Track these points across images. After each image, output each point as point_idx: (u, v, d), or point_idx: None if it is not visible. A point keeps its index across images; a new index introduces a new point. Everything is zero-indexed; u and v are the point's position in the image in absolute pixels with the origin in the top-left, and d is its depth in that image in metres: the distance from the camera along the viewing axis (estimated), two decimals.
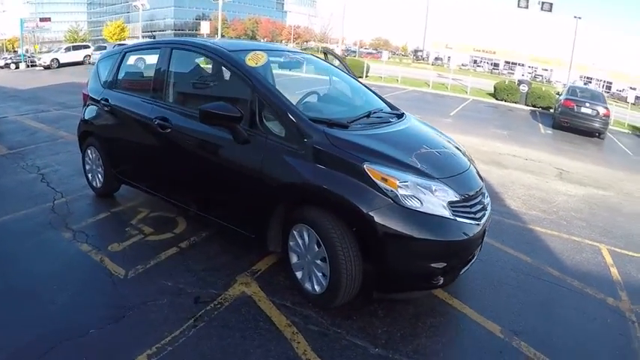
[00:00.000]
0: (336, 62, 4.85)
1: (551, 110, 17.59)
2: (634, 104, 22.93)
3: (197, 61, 3.66)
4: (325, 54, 5.11)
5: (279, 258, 3.33)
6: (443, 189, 2.58)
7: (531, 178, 7.27)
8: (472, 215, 2.65)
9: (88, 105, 4.22)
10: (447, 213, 2.52)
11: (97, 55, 21.77)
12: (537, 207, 5.69)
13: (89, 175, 4.39)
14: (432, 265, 2.52)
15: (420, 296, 3.07)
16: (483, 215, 2.78)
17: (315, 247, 2.66)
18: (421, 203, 2.48)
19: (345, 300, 2.67)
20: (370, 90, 3.95)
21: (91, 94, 4.20)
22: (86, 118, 4.23)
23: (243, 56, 3.11)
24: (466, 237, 2.56)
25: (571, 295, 3.40)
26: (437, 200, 2.54)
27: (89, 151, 4.29)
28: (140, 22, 44.86)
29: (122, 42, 26.63)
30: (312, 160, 2.62)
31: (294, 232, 2.78)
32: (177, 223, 3.90)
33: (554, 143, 11.74)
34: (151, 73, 3.65)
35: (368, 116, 3.19)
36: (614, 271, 4.05)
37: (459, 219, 2.57)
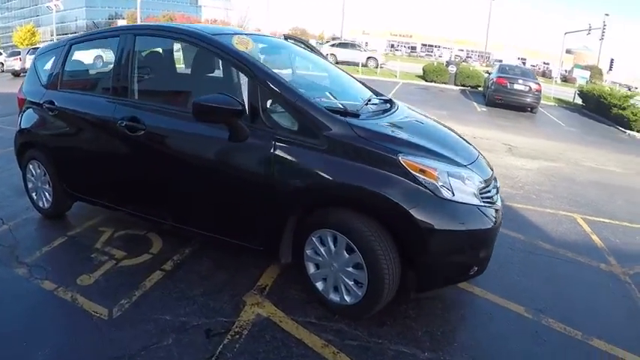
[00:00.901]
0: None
1: (480, 88, 18.62)
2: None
3: (170, 48, 3.14)
4: (286, 38, 4.75)
5: (283, 268, 3.02)
6: (471, 176, 2.45)
7: (486, 155, 7.48)
8: (492, 200, 2.55)
9: (26, 110, 3.49)
10: (477, 201, 2.39)
11: (11, 62, 19.19)
12: (504, 183, 5.84)
13: (33, 195, 3.66)
14: (476, 254, 2.43)
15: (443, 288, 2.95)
16: (498, 199, 2.70)
17: (345, 253, 2.38)
18: (455, 193, 2.30)
19: (382, 307, 2.43)
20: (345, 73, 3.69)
21: (29, 98, 3.47)
22: (25, 126, 3.49)
23: (230, 40, 2.68)
24: (494, 223, 2.45)
25: (569, 267, 3.61)
26: (468, 189, 2.39)
27: (32, 166, 3.56)
28: (54, 25, 41.43)
29: (35, 46, 23.90)
30: (337, 156, 2.31)
31: (313, 239, 2.47)
32: (150, 241, 3.38)
33: (493, 120, 12.39)
34: (108, 66, 3.06)
35: (366, 104, 2.94)
36: (595, 238, 4.33)
37: (486, 206, 2.44)
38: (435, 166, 2.31)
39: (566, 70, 35.80)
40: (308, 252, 2.55)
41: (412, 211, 2.19)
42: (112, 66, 2.97)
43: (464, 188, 2.37)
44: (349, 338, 2.42)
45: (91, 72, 3.60)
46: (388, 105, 3.07)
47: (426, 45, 73.19)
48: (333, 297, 2.55)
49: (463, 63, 21.49)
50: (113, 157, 3.02)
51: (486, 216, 2.42)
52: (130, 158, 2.94)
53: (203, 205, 2.80)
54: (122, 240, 3.37)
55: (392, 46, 71.52)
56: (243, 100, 2.43)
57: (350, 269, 2.40)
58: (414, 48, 71.88)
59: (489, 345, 2.50)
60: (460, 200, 2.32)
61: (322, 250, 2.47)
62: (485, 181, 2.57)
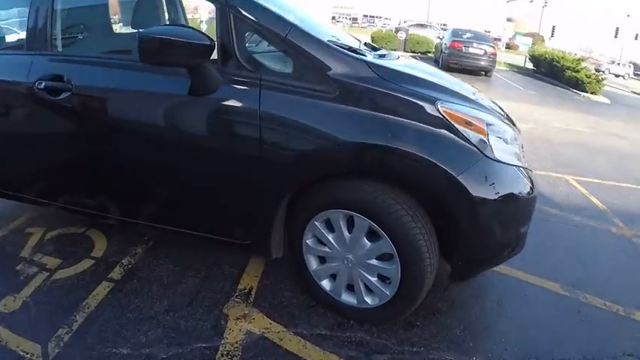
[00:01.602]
0: None
1: (431, 54, 18.46)
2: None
3: None
4: None
5: (267, 263, 2.40)
6: (509, 132, 1.90)
7: None
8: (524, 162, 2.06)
9: None
10: (520, 163, 1.87)
11: None
12: None
13: None
14: (521, 229, 1.94)
15: None
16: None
17: (366, 240, 1.79)
18: (499, 153, 1.75)
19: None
20: None
21: None
22: None
23: None
24: (533, 190, 1.95)
25: (583, 232, 3.41)
26: (511, 147, 1.85)
27: None
28: None
29: None
30: (352, 105, 1.67)
31: (317, 223, 1.85)
32: (91, 241, 2.59)
33: None
34: (13, 12, 2.20)
35: (360, 44, 2.34)
36: (594, 200, 4.22)
37: (528, 169, 1.95)
38: (481, 116, 1.74)
39: (509, 38, 36.90)
40: (308, 242, 1.93)
41: (460, 178, 1.61)
42: (26, 10, 2.10)
43: (506, 147, 1.83)
44: (377, 351, 1.87)
45: None
46: (376, 48, 2.45)
47: (367, 16, 72.96)
48: (347, 299, 1.96)
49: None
50: (33, 135, 2.19)
51: (531, 179, 1.90)
52: (55, 133, 2.13)
53: (162, 189, 2.06)
54: (56, 243, 2.55)
55: (333, 17, 70.46)
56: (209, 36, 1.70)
57: (373, 262, 1.81)
58: (355, 19, 71.32)
59: (539, 335, 2.11)
60: (506, 161, 1.78)
61: (330, 237, 1.86)
62: (516, 138, 2.05)
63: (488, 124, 1.75)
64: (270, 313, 2.04)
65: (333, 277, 1.99)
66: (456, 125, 1.65)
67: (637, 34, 31.41)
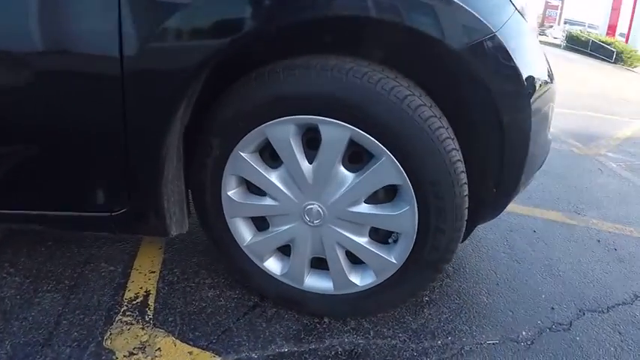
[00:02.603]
0: None
1: None
2: None
3: None
4: None
5: (166, 248, 1.49)
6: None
7: None
8: None
9: None
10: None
11: None
12: None
13: None
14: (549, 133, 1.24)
15: None
16: None
17: (344, 170, 0.92)
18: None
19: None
20: None
21: None
22: None
23: None
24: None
25: (551, 155, 3.09)
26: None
27: None
28: None
29: None
30: None
31: (243, 156, 0.97)
32: None
33: None
34: None
35: None
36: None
37: None
38: None
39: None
40: (232, 194, 1.02)
41: (500, 34, 0.86)
42: None
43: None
44: (384, 359, 1.03)
45: None
46: None
47: None
48: (316, 283, 1.12)
49: None
50: None
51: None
52: None
53: None
54: None
55: None
56: None
57: (361, 208, 0.96)
58: None
59: (584, 280, 1.58)
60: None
61: (274, 177, 0.97)
62: None
63: None
64: (184, 334, 1.13)
65: (284, 251, 1.11)
66: None
67: None
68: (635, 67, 17.17)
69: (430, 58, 0.90)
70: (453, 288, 1.40)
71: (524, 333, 1.26)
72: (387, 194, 0.97)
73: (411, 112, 0.84)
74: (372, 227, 1.00)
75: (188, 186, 1.09)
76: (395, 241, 1.01)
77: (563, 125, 4.03)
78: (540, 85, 1.01)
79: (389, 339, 1.15)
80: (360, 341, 1.13)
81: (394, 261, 1.00)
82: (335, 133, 0.87)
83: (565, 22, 27.65)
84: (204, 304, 1.23)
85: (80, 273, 1.36)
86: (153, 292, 1.29)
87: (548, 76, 1.09)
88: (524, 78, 0.91)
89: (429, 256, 0.97)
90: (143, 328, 1.15)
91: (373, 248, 1.01)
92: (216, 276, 1.35)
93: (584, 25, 25.09)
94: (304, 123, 0.89)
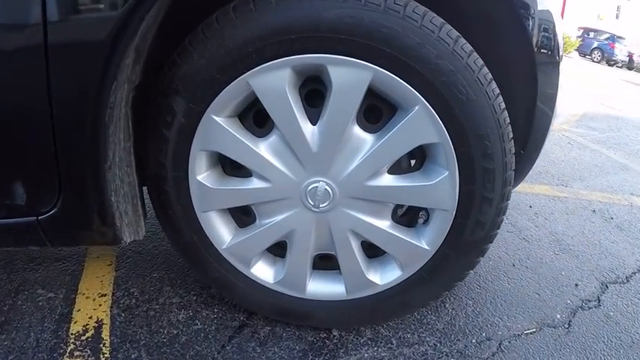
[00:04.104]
0: None
1: None
2: None
3: None
4: None
5: (117, 263, 1.20)
6: None
7: None
8: None
9: None
10: None
11: None
12: None
13: None
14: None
15: None
16: None
17: (362, 131, 0.68)
18: None
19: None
20: None
21: None
22: None
23: None
24: None
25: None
26: None
27: None
28: None
29: None
30: None
31: (218, 121, 0.69)
32: None
33: None
34: None
35: None
36: None
37: None
38: None
39: None
40: (203, 178, 0.74)
41: None
42: None
43: None
44: None
45: None
46: None
47: None
48: (321, 289, 0.86)
49: None
50: None
51: None
52: None
53: None
54: None
55: None
56: None
57: (383, 181, 0.72)
58: None
59: (591, 252, 1.49)
60: None
61: (264, 148, 0.71)
62: None
63: None
64: None
65: (275, 252, 0.85)
66: None
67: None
68: (570, 53, 18.34)
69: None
70: (469, 276, 1.21)
71: (558, 316, 1.09)
72: (406, 164, 0.75)
73: (452, 44, 0.62)
74: (397, 205, 0.77)
75: (141, 174, 0.81)
76: (426, 221, 0.78)
77: None
78: (562, 55, 0.84)
79: (416, 346, 0.93)
80: (383, 354, 0.90)
81: (426, 247, 0.77)
82: (350, 76, 0.64)
83: None
84: (175, 331, 0.95)
85: (11, 305, 1.05)
86: (106, 321, 1.00)
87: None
88: (558, 43, 0.74)
89: (472, 236, 0.76)
90: None
91: (399, 233, 0.78)
92: (185, 293, 1.07)
93: None
94: (305, 66, 0.64)
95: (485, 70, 0.68)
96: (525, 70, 0.80)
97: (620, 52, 17.87)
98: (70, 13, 0.58)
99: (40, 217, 0.73)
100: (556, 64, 0.84)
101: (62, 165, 0.67)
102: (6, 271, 1.15)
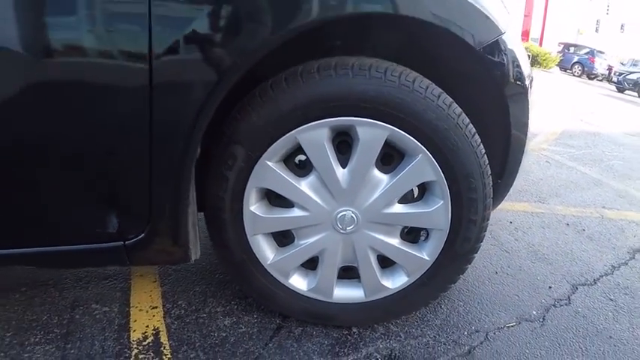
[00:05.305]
0: None
1: None
2: None
3: None
4: None
5: (161, 282, 1.44)
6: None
7: None
8: None
9: None
10: None
11: None
12: None
13: None
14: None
15: None
16: None
17: (379, 172, 0.98)
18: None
19: None
20: None
21: None
22: None
23: None
24: None
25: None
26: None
27: None
28: None
29: None
30: None
31: (270, 165, 0.97)
32: None
33: None
34: None
35: None
36: None
37: None
38: None
39: None
40: (254, 209, 1.01)
41: (507, 37, 1.01)
42: None
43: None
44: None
45: None
46: None
47: None
48: (345, 294, 1.13)
49: None
50: None
51: None
52: None
53: None
54: None
55: None
56: None
57: (395, 209, 1.00)
58: None
59: (563, 259, 1.78)
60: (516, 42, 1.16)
61: (305, 185, 0.99)
62: None
63: None
64: None
65: (308, 265, 1.11)
66: None
67: None
68: (551, 68, 19.09)
69: (451, 57, 0.97)
70: (458, 283, 1.47)
71: (534, 312, 1.36)
72: (411, 195, 1.02)
73: (447, 109, 0.90)
74: (404, 227, 1.04)
75: (200, 204, 1.06)
76: (426, 238, 1.05)
77: None
78: (530, 83, 1.13)
79: (420, 338, 1.19)
80: (394, 345, 1.15)
81: (427, 258, 1.04)
82: (372, 133, 0.91)
83: None
84: (224, 334, 1.19)
85: (69, 319, 1.25)
86: (162, 329, 1.22)
87: (531, 78, 1.22)
88: (525, 76, 1.02)
89: (461, 248, 1.03)
90: None
91: (406, 248, 1.04)
92: (226, 302, 1.31)
93: None
94: (339, 125, 0.91)
95: (471, 126, 0.96)
96: (499, 112, 1.06)
97: (600, 66, 18.67)
98: (176, 79, 0.82)
99: (126, 242, 0.96)
100: (526, 94, 1.08)
101: (154, 199, 0.91)
102: (57, 289, 1.36)
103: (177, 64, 0.80)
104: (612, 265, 1.76)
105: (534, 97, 1.30)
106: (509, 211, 2.18)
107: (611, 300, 1.50)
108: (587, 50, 19.62)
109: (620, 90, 14.73)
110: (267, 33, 0.82)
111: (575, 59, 19.26)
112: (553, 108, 6.86)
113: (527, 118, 1.12)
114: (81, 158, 0.86)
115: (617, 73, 15.48)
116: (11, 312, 1.24)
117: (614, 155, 4.00)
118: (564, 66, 19.70)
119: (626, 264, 1.81)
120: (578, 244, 1.91)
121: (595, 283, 1.61)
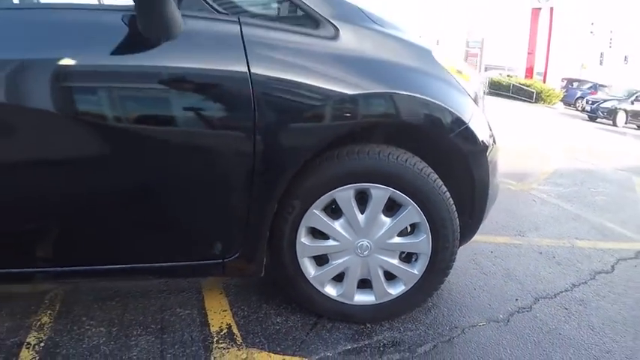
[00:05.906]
0: None
1: None
2: None
3: None
4: None
5: (227, 292, 1.96)
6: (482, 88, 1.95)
7: None
8: None
9: None
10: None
11: None
12: None
13: None
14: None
15: None
16: None
17: (384, 217, 1.56)
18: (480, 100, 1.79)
19: None
20: None
21: None
22: None
23: None
24: None
25: (504, 193, 3.88)
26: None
27: None
28: None
29: None
30: (356, 51, 1.46)
31: (316, 212, 1.55)
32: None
33: None
34: None
35: None
36: None
37: None
38: (464, 65, 1.69)
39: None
40: (304, 240, 1.58)
41: (470, 125, 1.56)
42: None
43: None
44: (418, 343, 1.64)
45: None
46: None
47: None
48: (363, 298, 1.68)
49: None
50: None
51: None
52: None
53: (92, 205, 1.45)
54: None
55: None
56: None
57: (395, 240, 1.57)
58: None
59: (531, 281, 2.25)
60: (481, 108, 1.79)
61: (337, 225, 1.55)
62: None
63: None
64: (273, 349, 1.61)
65: (337, 277, 1.66)
66: (451, 72, 1.56)
67: None
68: (555, 104, 19.78)
69: (432, 143, 1.57)
70: (444, 296, 2.00)
71: (501, 316, 1.87)
72: (406, 230, 1.59)
73: (427, 177, 1.48)
74: (401, 252, 1.60)
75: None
76: (416, 259, 1.61)
77: (500, 168, 4.91)
78: (490, 146, 1.70)
79: (414, 330, 1.71)
80: (396, 335, 1.68)
81: (417, 272, 1.60)
82: (381, 193, 1.49)
83: (486, 69, 30.53)
84: (277, 327, 1.73)
85: (161, 318, 1.76)
86: (233, 324, 1.76)
87: (493, 140, 1.79)
88: (481, 144, 1.59)
89: (440, 266, 1.59)
90: (239, 350, 1.61)
91: (403, 266, 1.60)
92: (276, 307, 1.84)
93: (505, 69, 28.10)
94: (360, 188, 1.49)
95: (444, 187, 1.52)
96: (463, 172, 1.62)
97: None
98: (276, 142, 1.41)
99: (224, 259, 1.53)
100: (484, 154, 1.63)
101: (247, 233, 1.49)
102: (145, 298, 1.90)
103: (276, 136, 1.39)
104: (572, 284, 2.26)
105: (496, 157, 1.86)
106: (492, 243, 2.69)
107: (566, 309, 2.01)
108: (590, 85, 20.35)
109: (592, 119, 15.31)
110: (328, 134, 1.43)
111: (579, 94, 19.96)
112: (550, 146, 7.36)
113: (487, 175, 1.68)
114: (206, 207, 1.45)
115: (591, 102, 16.08)
116: (111, 314, 1.74)
117: (598, 192, 4.44)
118: (568, 101, 20.40)
119: (586, 283, 2.30)
120: (546, 267, 2.42)
121: (555, 297, 2.11)
